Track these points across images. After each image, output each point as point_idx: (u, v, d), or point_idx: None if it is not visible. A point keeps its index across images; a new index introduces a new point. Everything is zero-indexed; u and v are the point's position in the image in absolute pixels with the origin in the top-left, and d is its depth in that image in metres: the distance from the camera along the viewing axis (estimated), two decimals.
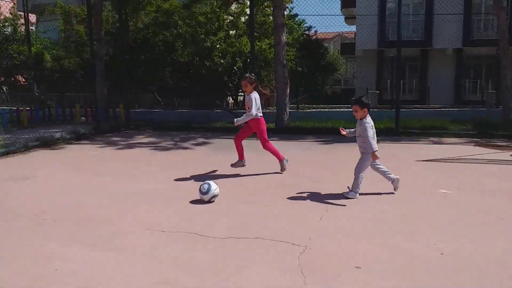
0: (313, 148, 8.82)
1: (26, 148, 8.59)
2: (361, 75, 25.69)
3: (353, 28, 28.97)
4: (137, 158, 7.88)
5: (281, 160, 6.39)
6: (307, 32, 32.15)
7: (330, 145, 9.17)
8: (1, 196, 5.36)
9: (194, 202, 4.94)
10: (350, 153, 6.89)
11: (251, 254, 3.46)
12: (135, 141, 9.82)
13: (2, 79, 22.72)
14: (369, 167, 5.10)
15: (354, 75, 32.50)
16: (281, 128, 11.08)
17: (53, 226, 4.25)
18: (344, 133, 5.32)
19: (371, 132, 4.93)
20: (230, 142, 7.17)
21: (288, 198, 5.09)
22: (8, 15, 22.92)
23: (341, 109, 15.43)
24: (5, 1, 37.47)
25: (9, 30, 22.78)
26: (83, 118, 13.18)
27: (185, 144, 9.37)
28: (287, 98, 11.41)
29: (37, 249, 3.65)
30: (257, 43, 15.90)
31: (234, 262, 3.31)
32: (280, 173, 6.35)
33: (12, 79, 22.68)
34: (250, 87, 6.11)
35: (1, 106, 18.38)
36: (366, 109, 5.01)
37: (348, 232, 3.94)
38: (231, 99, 20.53)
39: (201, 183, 4.99)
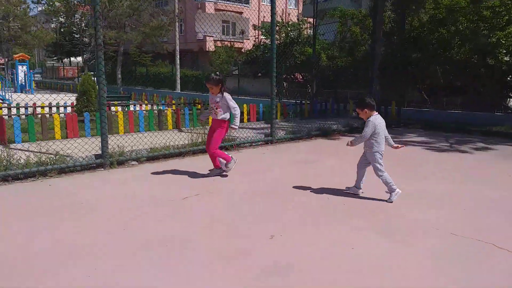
0: None
1: (309, 135, 9.76)
2: None
3: None
4: (411, 156, 7.84)
5: (229, 160, 6.08)
6: None
7: None
8: (301, 175, 6.29)
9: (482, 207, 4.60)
10: None
11: None
12: (407, 139, 9.79)
13: (284, 76, 26.38)
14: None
15: None
16: None
17: (342, 209, 4.73)
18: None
19: (368, 130, 4.88)
20: None
21: None
22: (295, 20, 26.52)
23: None
24: (292, 8, 42.83)
25: (295, 34, 26.26)
26: (355, 113, 13.98)
27: (462, 147, 8.75)
28: None
29: (334, 231, 4.14)
30: None
31: None
32: None
33: (292, 76, 26.13)
34: None
35: (282, 100, 21.43)
36: (366, 110, 4.94)
37: None
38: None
39: None
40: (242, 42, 38.10)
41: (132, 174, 6.25)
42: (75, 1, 32.07)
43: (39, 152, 6.30)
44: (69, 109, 13.44)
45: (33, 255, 3.42)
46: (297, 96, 22.96)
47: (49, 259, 3.35)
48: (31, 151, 6.73)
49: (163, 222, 4.21)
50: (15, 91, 25.65)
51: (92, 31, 28.48)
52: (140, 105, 15.78)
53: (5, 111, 12.38)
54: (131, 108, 15.49)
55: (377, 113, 5.00)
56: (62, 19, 41.70)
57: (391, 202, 4.91)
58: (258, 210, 4.61)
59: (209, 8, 39.69)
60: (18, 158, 5.95)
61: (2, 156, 5.78)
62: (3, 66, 42.36)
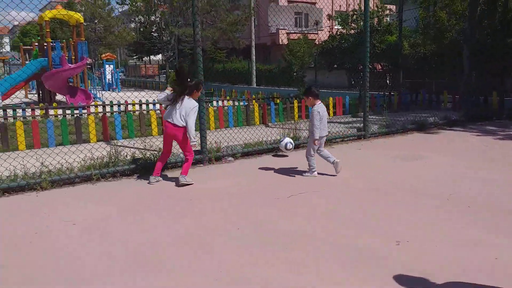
0: None
1: (404, 130, 9.20)
2: None
3: None
4: None
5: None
6: None
7: None
8: (409, 173, 5.89)
9: None
10: None
11: None
12: None
13: (361, 67, 25.40)
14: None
15: None
16: None
17: (462, 210, 4.29)
18: None
19: (316, 119, 5.53)
20: None
21: None
22: (374, 8, 25.39)
23: None
24: None
25: (373, 22, 25.14)
26: (449, 104, 13.11)
27: None
28: None
29: (456, 233, 3.75)
30: None
31: None
32: None
33: (371, 66, 25.08)
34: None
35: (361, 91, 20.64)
36: (311, 98, 5.62)
37: None
38: None
39: None
40: (316, 33, 37.42)
41: (232, 170, 6.24)
42: (155, 1, 33.40)
43: (143, 149, 6.51)
44: (157, 106, 13.97)
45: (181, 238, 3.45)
46: (377, 87, 22.02)
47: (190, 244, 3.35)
48: (136, 148, 6.98)
49: (285, 217, 4.09)
50: (103, 89, 27.37)
51: (173, 29, 29.54)
52: (222, 101, 16.01)
53: (99, 108, 13.15)
54: (214, 104, 15.77)
55: (320, 101, 5.71)
56: (142, 18, 43.80)
57: (307, 176, 5.70)
58: (375, 210, 4.33)
59: (282, 0, 39.42)
60: (125, 154, 6.17)
61: (110, 153, 6.02)
62: (90, 66, 45.61)
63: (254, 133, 8.15)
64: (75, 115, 12.44)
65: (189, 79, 5.59)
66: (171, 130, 5.46)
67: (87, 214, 4.40)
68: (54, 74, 16.66)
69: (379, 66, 25.40)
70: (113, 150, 6.09)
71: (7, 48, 58.09)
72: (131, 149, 6.90)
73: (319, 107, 5.61)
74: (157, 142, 7.26)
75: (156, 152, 6.37)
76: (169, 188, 5.35)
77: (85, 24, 43.40)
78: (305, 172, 5.86)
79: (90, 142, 7.88)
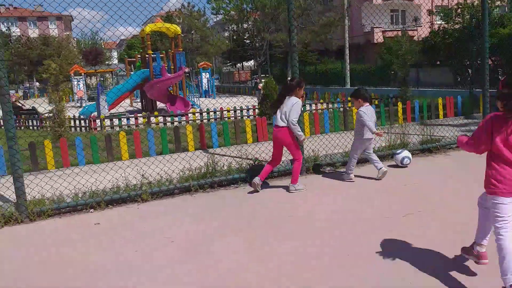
0: None
1: None
2: None
3: None
4: None
5: None
6: None
7: None
8: None
9: None
10: None
11: None
12: None
13: (468, 63, 23.17)
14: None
15: None
16: None
17: None
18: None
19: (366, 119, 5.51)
20: None
21: None
22: None
23: None
24: None
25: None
26: None
27: None
28: None
29: None
30: None
31: None
32: None
33: (478, 62, 22.72)
34: None
35: (473, 90, 18.70)
36: (360, 100, 5.67)
37: None
38: None
39: None
40: (415, 29, 35.15)
41: (330, 182, 5.76)
42: (247, 9, 34.02)
43: (239, 158, 6.32)
44: (250, 111, 13.96)
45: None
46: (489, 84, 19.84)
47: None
48: (231, 157, 6.83)
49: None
50: (200, 96, 28.47)
51: (266, 36, 29.77)
52: (316, 104, 15.53)
53: (197, 115, 13.48)
54: (307, 108, 15.35)
55: (368, 104, 5.69)
56: (235, 26, 45.01)
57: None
58: None
59: None
60: (222, 165, 6.02)
61: (208, 163, 5.91)
62: (188, 75, 48.01)
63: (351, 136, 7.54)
64: (175, 124, 12.90)
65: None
66: (275, 133, 5.36)
67: (186, 230, 4.26)
68: (155, 84, 17.57)
69: (490, 61, 23.00)
70: (210, 160, 5.97)
71: (115, 61, 63.78)
72: (228, 158, 6.76)
73: (367, 109, 5.63)
74: (252, 150, 7.05)
75: (251, 162, 6.13)
76: (270, 201, 5.04)
77: (182, 35, 46.10)
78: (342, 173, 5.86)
79: (188, 151, 7.96)
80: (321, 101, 16.53)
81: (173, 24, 20.31)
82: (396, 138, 7.10)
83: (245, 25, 41.24)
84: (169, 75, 18.31)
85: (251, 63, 49.56)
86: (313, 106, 15.40)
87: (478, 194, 3.06)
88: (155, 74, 18.77)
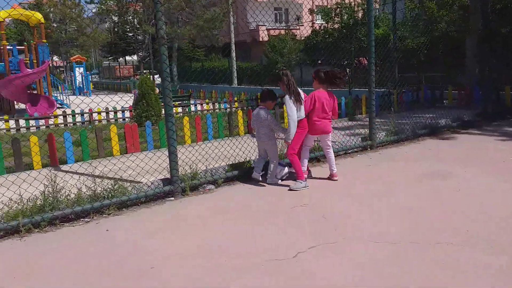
0: None
1: (415, 136, 7.83)
2: None
3: None
4: None
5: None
6: None
7: None
8: (435, 205, 4.46)
9: None
10: None
11: None
12: None
13: (345, 62, 24.16)
14: None
15: None
16: None
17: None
18: None
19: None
20: None
21: None
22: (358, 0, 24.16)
23: None
24: None
25: (358, 15, 23.87)
26: (445, 101, 11.88)
27: None
28: None
29: None
30: None
31: None
32: None
33: (356, 61, 23.81)
34: None
35: (346, 89, 19.32)
36: (269, 102, 5.58)
37: None
38: None
39: None
40: (298, 29, 36.06)
41: (211, 204, 4.73)
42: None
43: (94, 176, 4.91)
44: (127, 114, 12.35)
45: None
46: (365, 83, 20.79)
47: None
48: (84, 174, 5.38)
49: None
50: (74, 94, 25.48)
51: (147, 28, 27.71)
52: (201, 104, 14.44)
53: (60, 119, 11.46)
54: (192, 108, 14.21)
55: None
56: (115, 18, 41.72)
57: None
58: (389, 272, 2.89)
59: None
60: (68, 190, 4.60)
61: (47, 191, 4.44)
62: (63, 69, 43.29)
63: (239, 146, 6.62)
64: (28, 129, 10.75)
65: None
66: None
67: None
68: (11, 80, 14.84)
69: (365, 60, 24.23)
70: (50, 189, 4.48)
71: None
72: (81, 178, 5.30)
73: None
74: (114, 166, 5.69)
75: (110, 185, 4.80)
76: (127, 244, 3.81)
77: (55, 25, 41.24)
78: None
79: (34, 169, 6.28)
80: (207, 101, 15.46)
81: (34, 12, 17.43)
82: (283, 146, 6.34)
83: (128, 17, 38.37)
84: (29, 70, 15.65)
85: (134, 57, 46.62)
86: (198, 107, 14.28)
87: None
88: (14, 69, 15.93)
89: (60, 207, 4.41)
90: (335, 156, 6.55)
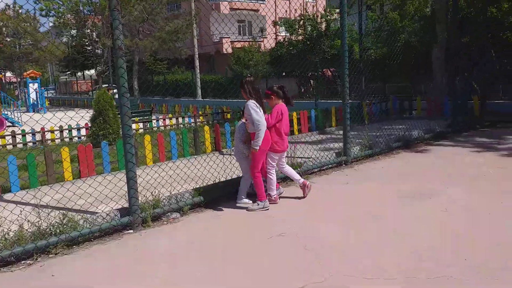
0: None
1: (389, 149, 7.54)
2: None
3: None
4: None
5: None
6: None
7: None
8: (421, 230, 4.09)
9: None
10: None
11: None
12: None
13: (309, 74, 24.14)
14: None
15: None
16: None
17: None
18: None
19: None
20: None
21: None
22: (321, 11, 24.25)
23: None
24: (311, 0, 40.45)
25: (321, 27, 23.91)
26: (414, 111, 11.80)
27: None
28: None
29: None
30: None
31: None
32: None
33: (320, 73, 23.80)
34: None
35: (308, 100, 19.18)
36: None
37: None
38: None
39: None
40: (261, 41, 35.97)
41: (176, 238, 4.16)
42: (84, 12, 30.45)
43: (38, 207, 4.22)
44: (83, 131, 11.53)
45: None
46: (329, 94, 20.73)
47: None
48: (28, 204, 4.66)
49: None
50: (27, 111, 24.07)
51: (106, 41, 26.71)
52: (164, 119, 13.76)
53: (8, 139, 10.51)
54: (154, 124, 13.51)
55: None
56: (73, 32, 40.25)
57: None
58: None
59: (224, 8, 37.71)
60: (7, 228, 3.90)
61: None
62: (17, 85, 41.20)
63: (207, 166, 6.03)
64: None
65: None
66: None
67: None
68: None
69: (329, 72, 24.30)
70: None
71: None
72: (26, 211, 4.58)
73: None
74: (62, 195, 5.00)
75: (58, 218, 4.13)
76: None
77: (8, 40, 39.26)
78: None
79: None
80: (170, 115, 14.79)
81: None
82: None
83: (87, 30, 37.04)
84: None
85: (93, 72, 45.09)
86: (161, 122, 13.60)
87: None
88: None
89: None
90: (309, 173, 6.15)
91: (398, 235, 3.87)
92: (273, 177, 4.99)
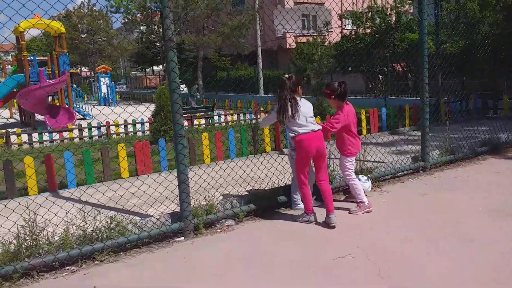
0: None
1: (474, 154, 6.60)
2: None
3: None
4: None
5: None
6: None
7: None
8: None
9: None
10: None
11: None
12: None
13: (378, 69, 22.86)
14: None
15: None
16: None
17: None
18: None
19: None
20: None
21: None
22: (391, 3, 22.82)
23: None
24: None
25: (393, 19, 22.52)
26: (499, 111, 10.50)
27: None
28: None
29: None
30: None
31: None
32: None
33: (390, 67, 22.41)
34: None
35: (376, 97, 18.04)
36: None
37: None
38: None
39: None
40: (326, 35, 34.89)
41: (230, 249, 3.71)
42: (151, 8, 31.25)
43: (90, 205, 3.97)
44: (147, 125, 11.55)
45: None
46: (400, 90, 19.45)
47: None
48: (78, 201, 4.44)
49: None
50: (99, 104, 25.15)
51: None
52: (225, 115, 13.51)
53: (75, 133, 10.75)
54: (215, 119, 13.30)
55: None
56: (143, 28, 41.66)
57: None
58: None
59: (288, 2, 37.07)
60: (52, 230, 3.67)
61: (25, 233, 3.53)
62: (91, 79, 43.53)
63: (264, 168, 5.48)
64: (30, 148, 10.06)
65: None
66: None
67: None
68: (30, 91, 14.37)
69: (400, 67, 22.91)
70: (28, 230, 3.56)
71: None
72: (73, 210, 4.37)
73: None
74: (117, 194, 4.75)
75: (129, 221, 3.84)
76: None
77: (83, 36, 41.52)
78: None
79: (28, 195, 5.44)
80: (231, 112, 14.48)
81: (55, 21, 17.02)
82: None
83: (154, 26, 38.18)
84: (49, 81, 15.16)
85: (161, 67, 46.49)
86: (222, 118, 13.36)
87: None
88: (34, 80, 15.50)
89: (40, 253, 3.49)
90: (382, 180, 5.47)
91: (501, 268, 3.13)
92: (355, 181, 4.47)
